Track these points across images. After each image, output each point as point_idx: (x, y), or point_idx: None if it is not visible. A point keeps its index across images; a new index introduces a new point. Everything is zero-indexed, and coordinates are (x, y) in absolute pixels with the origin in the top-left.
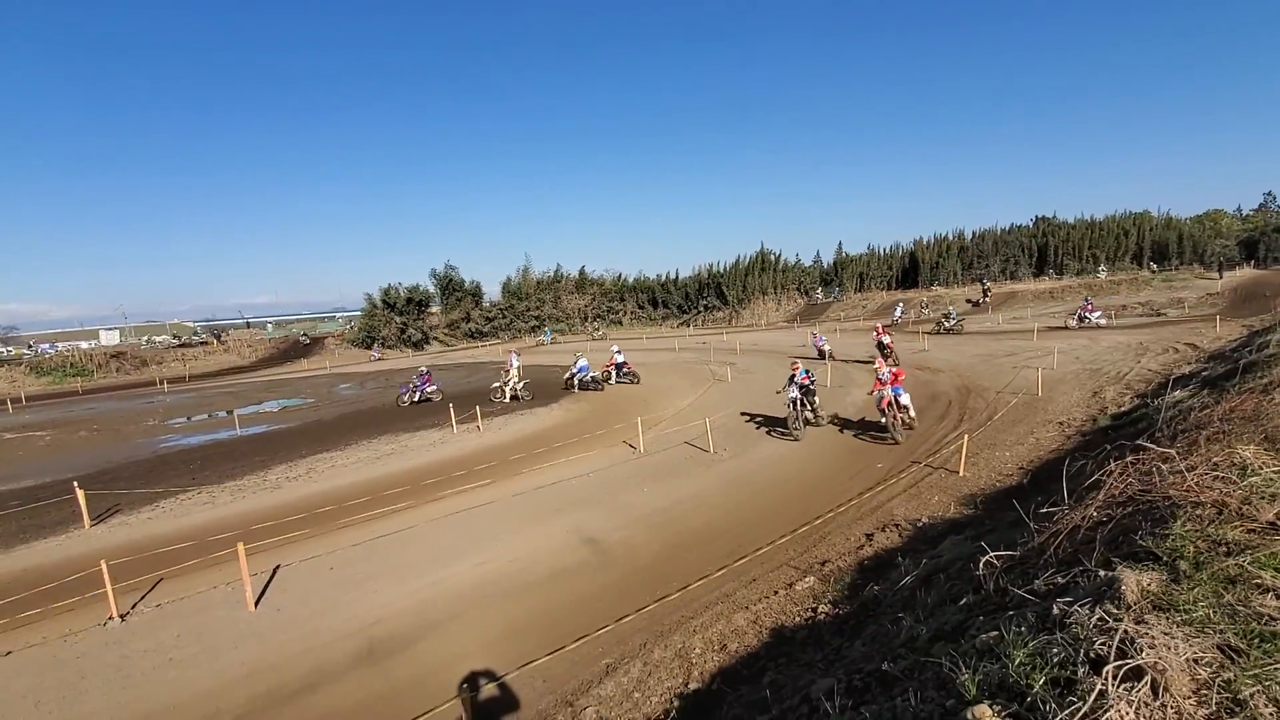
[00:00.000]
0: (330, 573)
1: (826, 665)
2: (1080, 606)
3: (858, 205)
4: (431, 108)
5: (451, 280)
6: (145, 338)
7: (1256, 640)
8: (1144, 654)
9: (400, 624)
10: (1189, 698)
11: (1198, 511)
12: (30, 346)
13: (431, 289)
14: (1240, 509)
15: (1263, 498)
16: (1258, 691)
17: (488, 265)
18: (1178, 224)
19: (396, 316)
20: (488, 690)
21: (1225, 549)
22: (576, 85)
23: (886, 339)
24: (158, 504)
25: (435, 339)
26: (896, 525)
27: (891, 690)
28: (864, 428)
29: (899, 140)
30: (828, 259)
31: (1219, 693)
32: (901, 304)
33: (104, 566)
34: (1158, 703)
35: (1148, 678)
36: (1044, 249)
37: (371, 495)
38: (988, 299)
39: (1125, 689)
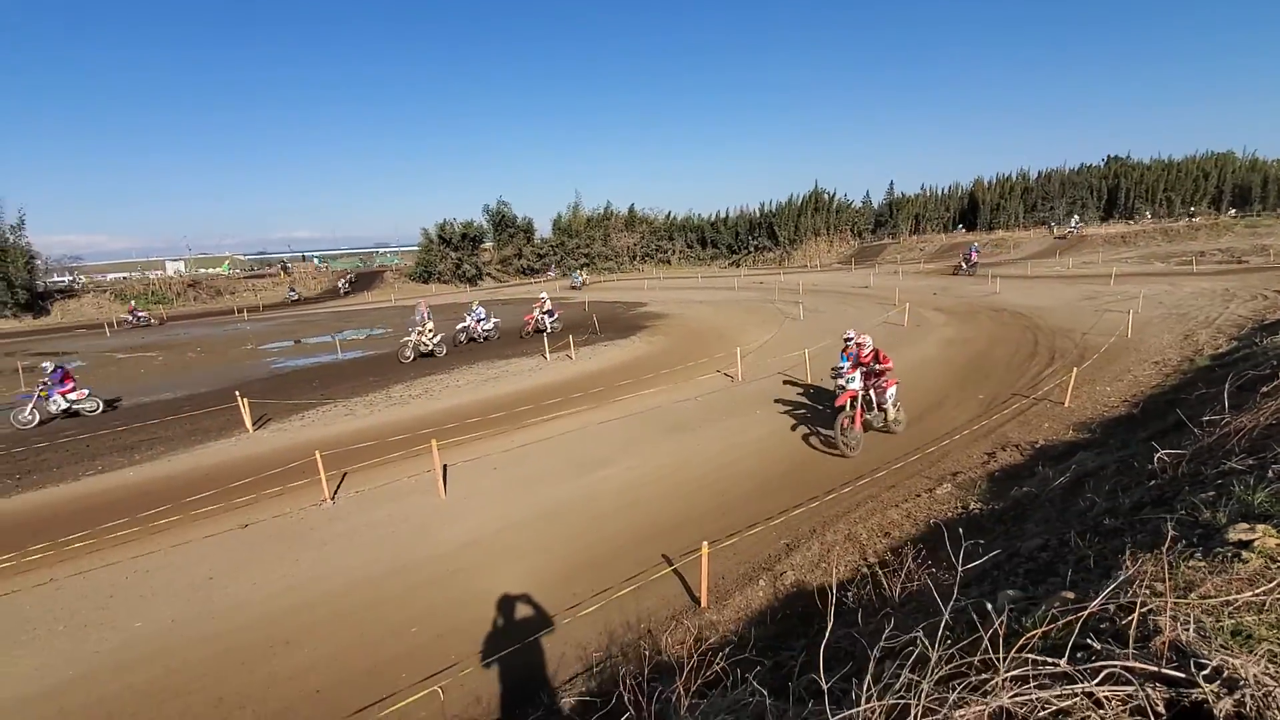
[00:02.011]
0: (495, 472)
1: (1000, 542)
2: None
3: (912, 143)
4: (475, 45)
5: (505, 216)
6: (224, 266)
7: None
8: None
9: (575, 511)
10: None
11: None
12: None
13: (485, 225)
14: None
15: None
16: None
17: (538, 203)
18: (1264, 166)
19: (452, 252)
20: (691, 557)
21: None
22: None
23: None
24: (303, 415)
25: (489, 274)
26: (1016, 446)
27: (1111, 540)
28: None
29: (958, 73)
30: (879, 199)
31: None
32: (974, 247)
33: (318, 456)
34: None
35: None
36: (1114, 191)
37: (500, 411)
38: (1076, 230)
39: None
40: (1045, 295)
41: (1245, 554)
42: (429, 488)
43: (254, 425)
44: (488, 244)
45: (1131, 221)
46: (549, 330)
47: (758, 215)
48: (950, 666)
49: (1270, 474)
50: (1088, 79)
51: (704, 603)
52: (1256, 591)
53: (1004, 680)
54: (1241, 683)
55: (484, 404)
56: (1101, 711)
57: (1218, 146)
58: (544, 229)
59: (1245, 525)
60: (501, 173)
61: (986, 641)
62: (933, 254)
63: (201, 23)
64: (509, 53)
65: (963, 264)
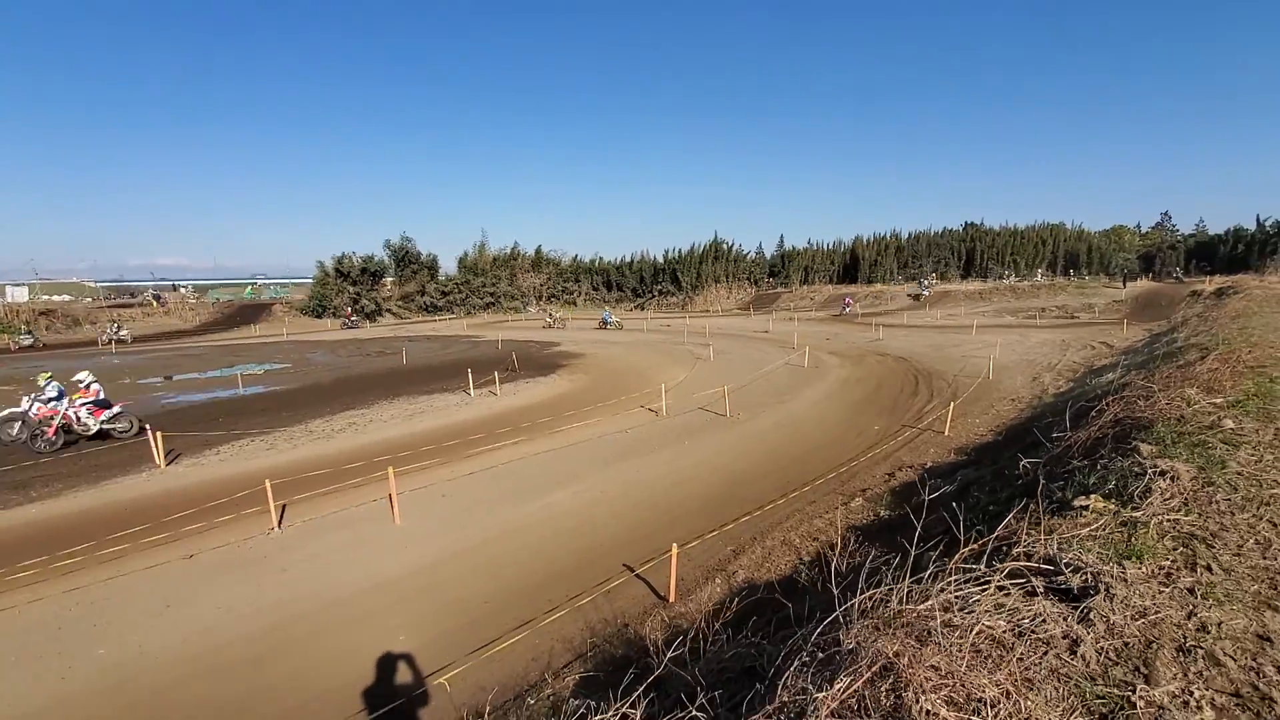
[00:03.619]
0: (445, 499)
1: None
2: (1113, 460)
3: (802, 198)
4: (366, 78)
5: (408, 252)
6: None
7: (1205, 462)
8: (1165, 466)
9: (535, 531)
10: (1191, 481)
11: (1166, 420)
12: None
13: (386, 260)
14: (1190, 418)
15: (1200, 414)
16: (1214, 476)
17: (443, 241)
18: (1088, 236)
19: (350, 286)
20: (650, 565)
21: (1185, 432)
22: (530, 69)
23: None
24: (218, 449)
25: (389, 311)
26: (910, 466)
27: (995, 520)
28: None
29: (841, 139)
30: (769, 251)
31: (1199, 481)
32: (850, 297)
33: (268, 485)
34: (1176, 485)
35: (1169, 475)
36: (971, 252)
37: (431, 444)
38: (928, 294)
39: (1162, 478)
40: (920, 342)
41: (1084, 513)
42: (381, 515)
43: (166, 460)
44: (389, 279)
45: (985, 280)
46: (94, 432)
47: (662, 261)
48: (912, 578)
49: (1098, 467)
50: (950, 152)
51: (672, 598)
52: (1092, 528)
53: (949, 581)
54: (1085, 569)
55: (414, 438)
56: (1008, 595)
57: (1052, 218)
58: (450, 267)
59: (1083, 496)
60: (404, 209)
61: (933, 563)
62: (822, 303)
63: (47, 14)
64: (410, 82)
65: (844, 309)
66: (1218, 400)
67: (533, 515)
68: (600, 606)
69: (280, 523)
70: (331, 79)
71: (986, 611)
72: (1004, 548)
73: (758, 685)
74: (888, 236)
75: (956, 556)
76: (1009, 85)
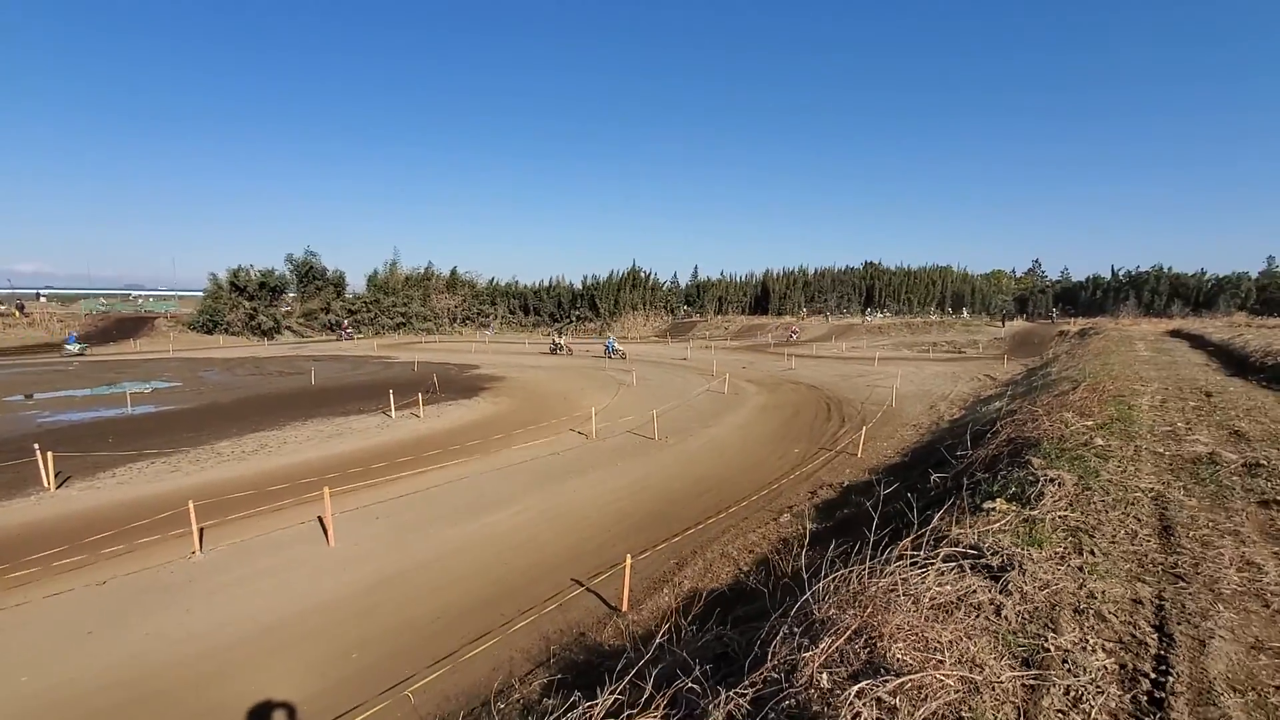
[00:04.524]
0: (378, 521)
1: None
2: (1011, 472)
3: (716, 230)
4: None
5: (312, 267)
6: None
7: (1083, 472)
8: (1053, 474)
9: (476, 550)
10: (1074, 486)
11: (1050, 439)
12: None
13: (288, 275)
14: (1069, 436)
15: (1076, 434)
16: (1091, 483)
17: (352, 258)
18: (972, 279)
19: (246, 301)
20: (599, 578)
21: (1066, 448)
22: (446, 89)
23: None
24: (113, 471)
25: (289, 328)
26: (829, 485)
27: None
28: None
29: (754, 176)
30: (684, 280)
31: (1080, 487)
32: (796, 326)
33: (190, 506)
34: (1062, 491)
35: (1056, 482)
36: (871, 289)
37: (355, 466)
38: (795, 337)
39: (1053, 485)
40: (829, 372)
41: (992, 513)
42: (312, 537)
43: (56, 483)
44: (290, 295)
45: (884, 315)
46: None
47: (580, 287)
48: (868, 564)
49: (999, 477)
50: (847, 195)
51: (624, 606)
52: (1000, 524)
53: (897, 565)
54: (1001, 552)
55: (334, 460)
56: (944, 574)
57: (941, 261)
58: (358, 284)
59: (990, 500)
60: (310, 224)
61: (876, 555)
62: (736, 332)
63: None
64: (321, 92)
65: (791, 335)
66: (1089, 423)
67: (473, 535)
68: (554, 618)
69: (201, 546)
70: (234, 80)
71: (931, 585)
72: (934, 541)
73: (739, 662)
74: (795, 271)
75: (901, 544)
76: (914, 130)
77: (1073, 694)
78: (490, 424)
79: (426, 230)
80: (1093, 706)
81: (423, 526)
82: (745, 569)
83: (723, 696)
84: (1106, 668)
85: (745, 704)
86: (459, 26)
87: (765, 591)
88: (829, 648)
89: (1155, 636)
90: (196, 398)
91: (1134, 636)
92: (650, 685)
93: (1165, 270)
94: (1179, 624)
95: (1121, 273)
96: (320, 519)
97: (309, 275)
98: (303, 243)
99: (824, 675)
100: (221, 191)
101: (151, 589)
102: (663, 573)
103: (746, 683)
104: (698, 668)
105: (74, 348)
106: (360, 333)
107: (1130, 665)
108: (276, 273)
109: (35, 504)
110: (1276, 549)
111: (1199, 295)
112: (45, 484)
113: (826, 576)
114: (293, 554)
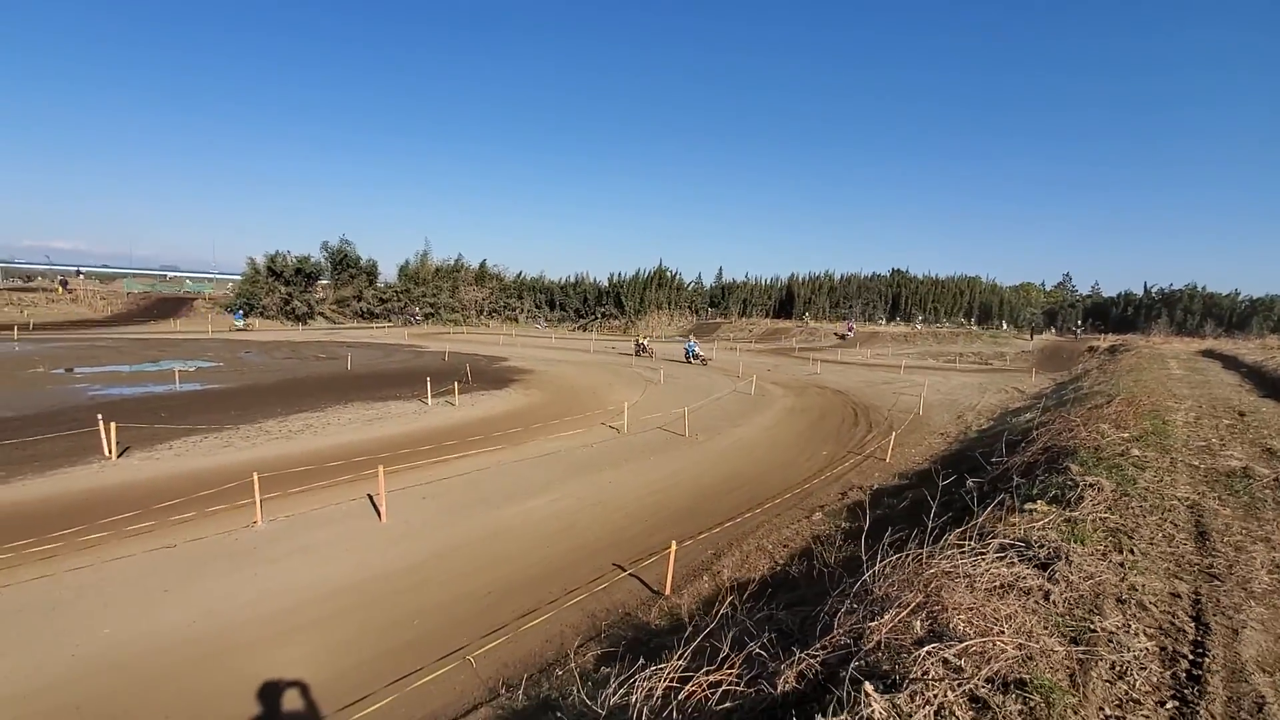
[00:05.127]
0: (425, 501)
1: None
2: (1050, 477)
3: (743, 233)
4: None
5: (346, 255)
6: None
7: (1121, 479)
8: (1091, 480)
9: (518, 532)
10: (1112, 492)
11: (1087, 448)
12: None
13: (323, 262)
14: (1105, 447)
15: (1113, 444)
16: (1129, 490)
17: (385, 248)
18: (1000, 291)
19: (282, 286)
20: (641, 564)
21: (1103, 457)
22: (483, 89)
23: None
24: (170, 444)
25: (321, 314)
26: (860, 488)
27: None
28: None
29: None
30: (708, 281)
31: (1118, 493)
32: (851, 323)
33: (255, 477)
34: (1101, 495)
35: (1095, 487)
36: (897, 298)
37: (395, 450)
38: (852, 334)
39: (1092, 490)
40: (855, 378)
41: (1034, 513)
42: (363, 513)
43: (117, 453)
44: (324, 282)
45: (910, 324)
46: None
47: (606, 284)
48: (925, 549)
49: (1037, 482)
50: (875, 204)
51: (668, 590)
52: (1043, 523)
53: (952, 551)
54: (1048, 544)
55: (376, 443)
56: (994, 562)
57: (969, 271)
58: (389, 274)
59: (1030, 502)
60: (344, 213)
61: (934, 544)
62: (760, 335)
63: None
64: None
65: (847, 333)
66: (1125, 435)
67: (515, 518)
68: (600, 599)
69: (262, 517)
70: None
71: (986, 569)
72: (980, 535)
73: (795, 637)
74: (822, 276)
75: (953, 534)
76: (945, 139)
77: (1118, 668)
78: (523, 415)
79: (456, 222)
80: (1137, 679)
81: (468, 508)
82: (781, 561)
83: (796, 656)
84: (1148, 649)
85: (816, 664)
86: (487, 26)
87: (815, 576)
88: (894, 619)
89: (1192, 625)
90: (239, 378)
91: (1173, 624)
92: (727, 646)
93: (1199, 289)
94: (1214, 615)
95: (1154, 290)
96: (370, 497)
97: (343, 263)
98: (338, 231)
99: (892, 640)
100: (261, 176)
101: (219, 554)
102: (700, 562)
103: (818, 645)
104: (765, 634)
105: (240, 323)
106: (423, 322)
107: (1170, 648)
108: (312, 259)
109: (99, 471)
110: None
111: (1232, 316)
112: (106, 453)
113: (881, 561)
114: (347, 527)
